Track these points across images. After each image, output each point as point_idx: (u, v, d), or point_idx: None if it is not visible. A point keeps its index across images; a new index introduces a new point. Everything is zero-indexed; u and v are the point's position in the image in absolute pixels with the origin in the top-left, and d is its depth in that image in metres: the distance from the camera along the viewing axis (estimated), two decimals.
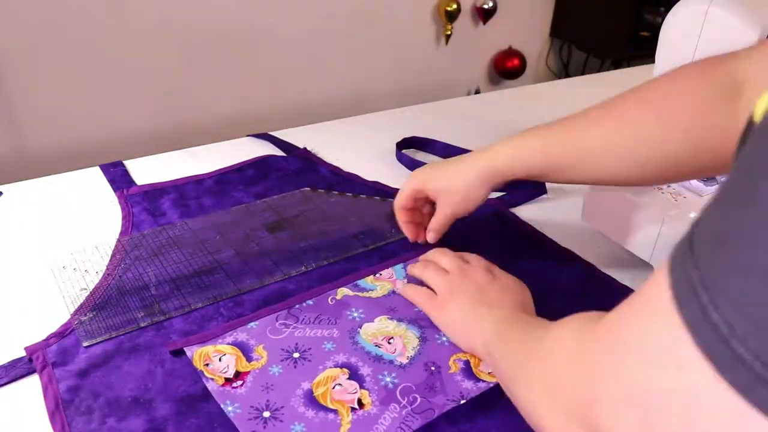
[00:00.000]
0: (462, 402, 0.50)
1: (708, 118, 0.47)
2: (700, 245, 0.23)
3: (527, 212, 0.78)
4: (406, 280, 0.63)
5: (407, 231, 0.68)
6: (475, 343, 0.52)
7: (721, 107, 0.46)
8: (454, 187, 0.62)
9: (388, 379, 0.51)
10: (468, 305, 0.54)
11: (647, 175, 0.53)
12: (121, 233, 0.70)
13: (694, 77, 0.49)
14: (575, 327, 0.34)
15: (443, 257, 0.61)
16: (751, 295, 0.20)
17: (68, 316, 0.57)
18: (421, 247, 0.68)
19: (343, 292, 0.61)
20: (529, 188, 0.81)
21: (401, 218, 0.68)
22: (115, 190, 0.79)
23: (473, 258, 0.61)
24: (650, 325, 0.25)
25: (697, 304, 0.22)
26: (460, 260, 0.60)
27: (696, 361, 0.22)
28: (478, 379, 0.52)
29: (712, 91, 0.47)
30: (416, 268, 0.62)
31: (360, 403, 0.49)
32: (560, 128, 0.57)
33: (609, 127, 0.53)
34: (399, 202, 0.67)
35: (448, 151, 0.92)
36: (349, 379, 0.51)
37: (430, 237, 0.66)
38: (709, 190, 0.70)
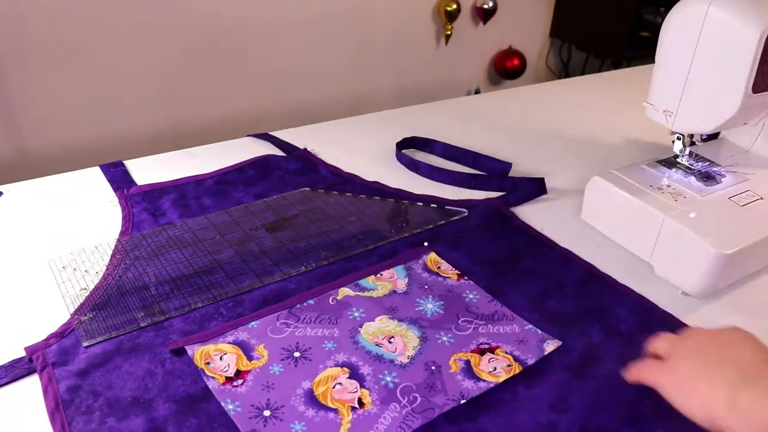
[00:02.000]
0: (462, 402, 0.50)
1: None
2: None
3: (527, 212, 0.78)
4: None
5: None
6: (717, 394, 0.45)
7: None
8: None
9: (388, 379, 0.51)
10: (698, 359, 0.48)
11: None
12: (121, 233, 0.70)
13: None
14: None
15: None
16: None
17: (68, 316, 0.57)
18: (421, 247, 0.68)
19: (344, 292, 0.61)
20: (529, 188, 0.81)
21: None
22: (115, 190, 0.79)
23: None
24: None
25: None
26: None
27: None
28: (478, 379, 0.52)
29: None
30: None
31: (360, 402, 0.49)
32: None
33: None
34: None
35: (447, 151, 0.92)
36: (349, 378, 0.51)
37: None
38: (710, 190, 0.70)
